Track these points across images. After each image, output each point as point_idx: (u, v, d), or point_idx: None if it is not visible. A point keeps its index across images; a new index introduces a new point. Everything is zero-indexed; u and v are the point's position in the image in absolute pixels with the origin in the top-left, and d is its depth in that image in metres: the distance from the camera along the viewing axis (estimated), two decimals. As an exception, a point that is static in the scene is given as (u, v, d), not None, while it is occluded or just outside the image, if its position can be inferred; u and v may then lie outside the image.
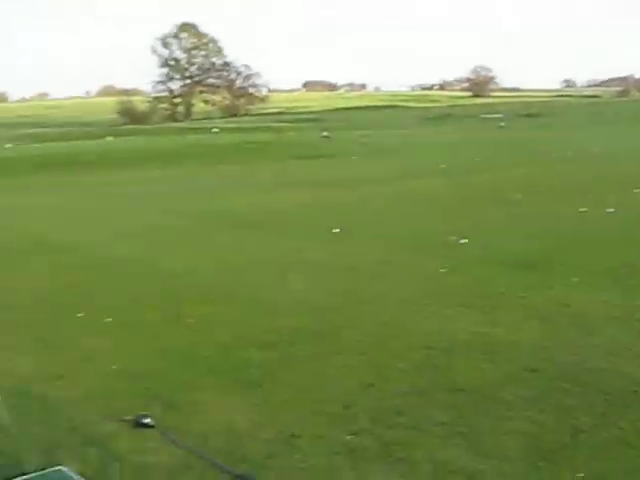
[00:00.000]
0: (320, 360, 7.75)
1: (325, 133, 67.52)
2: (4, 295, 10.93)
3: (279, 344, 8.35)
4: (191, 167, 46.87)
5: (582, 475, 5.16)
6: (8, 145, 68.23)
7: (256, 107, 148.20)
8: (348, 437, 5.86)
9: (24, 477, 5.01)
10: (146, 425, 6.14)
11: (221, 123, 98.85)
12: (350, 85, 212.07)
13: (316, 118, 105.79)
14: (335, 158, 48.92)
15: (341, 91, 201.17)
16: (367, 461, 5.43)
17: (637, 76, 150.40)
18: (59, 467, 5.28)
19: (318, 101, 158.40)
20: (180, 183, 35.19)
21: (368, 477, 5.20)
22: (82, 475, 5.18)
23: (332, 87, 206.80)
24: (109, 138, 73.05)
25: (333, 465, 5.38)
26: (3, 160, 56.26)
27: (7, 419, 4.65)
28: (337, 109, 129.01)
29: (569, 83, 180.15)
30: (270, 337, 8.62)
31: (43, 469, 5.02)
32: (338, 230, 16.46)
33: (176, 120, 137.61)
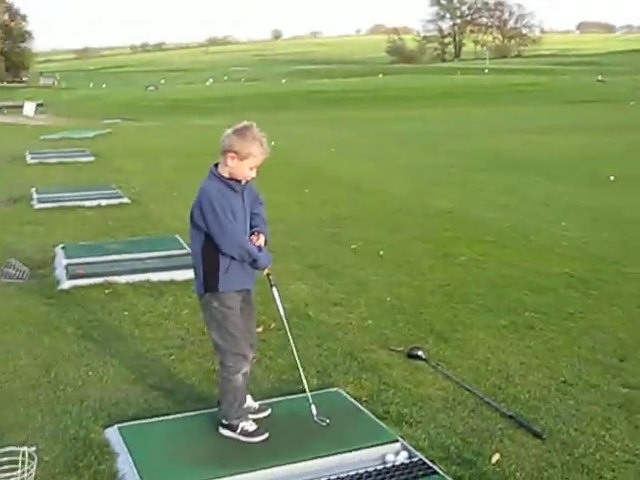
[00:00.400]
0: (594, 310, 7.53)
1: (600, 77, 64.58)
2: (281, 223, 11.46)
3: (553, 290, 8.20)
4: (460, 107, 46.57)
5: None
6: (283, 81, 70.94)
7: (528, 48, 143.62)
8: (624, 390, 5.68)
9: (302, 395, 5.30)
10: (418, 357, 6.25)
11: (491, 64, 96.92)
12: (628, 27, 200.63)
13: (591, 61, 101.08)
14: (611, 103, 46.71)
15: (618, 33, 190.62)
16: (643, 416, 5.25)
17: None
18: (336, 389, 5.54)
19: (593, 43, 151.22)
20: (447, 122, 35.14)
21: (643, 432, 5.02)
22: (356, 399, 5.41)
23: (609, 29, 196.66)
24: (380, 76, 73.93)
25: (607, 415, 5.23)
26: (279, 95, 58.75)
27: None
28: (614, 52, 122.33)
29: None
30: (543, 282, 8.48)
31: (320, 389, 5.27)
32: (613, 178, 15.85)
33: (445, 60, 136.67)
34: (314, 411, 4.96)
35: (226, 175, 4.59)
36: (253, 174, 4.64)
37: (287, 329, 5.07)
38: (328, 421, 4.91)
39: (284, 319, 5.04)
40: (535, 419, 5.16)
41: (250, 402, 4.98)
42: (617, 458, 4.65)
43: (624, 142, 23.74)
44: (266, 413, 5.03)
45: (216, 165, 4.66)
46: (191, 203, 4.69)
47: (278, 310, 4.96)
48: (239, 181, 4.63)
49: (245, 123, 4.64)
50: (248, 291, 4.83)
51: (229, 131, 4.61)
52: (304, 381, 5.06)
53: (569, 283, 8.45)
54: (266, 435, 4.73)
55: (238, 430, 4.72)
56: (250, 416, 4.84)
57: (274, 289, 4.90)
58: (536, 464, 4.56)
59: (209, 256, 4.59)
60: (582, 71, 78.92)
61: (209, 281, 4.62)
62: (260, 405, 5.06)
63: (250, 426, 4.74)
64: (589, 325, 7.09)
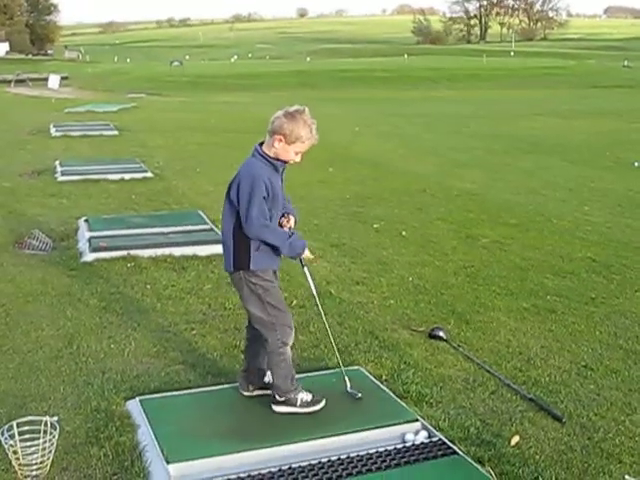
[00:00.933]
0: (617, 295, 7.49)
1: (627, 62, 64.01)
2: (303, 202, 11.46)
3: (575, 274, 8.16)
4: (485, 90, 46.33)
5: None
6: (308, 59, 70.74)
7: (555, 32, 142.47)
8: (645, 376, 5.66)
9: (325, 372, 5.32)
10: (439, 338, 6.25)
11: (517, 46, 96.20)
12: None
13: (618, 46, 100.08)
14: (635, 89, 46.31)
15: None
16: (664, 402, 5.23)
17: None
18: (357, 367, 5.55)
19: (620, 28, 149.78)
20: (472, 104, 34.97)
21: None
22: (377, 377, 5.42)
23: (636, 14, 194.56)
24: (405, 56, 73.57)
25: (627, 401, 5.22)
26: (303, 73, 58.62)
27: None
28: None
29: None
30: (566, 266, 8.45)
31: (339, 367, 5.28)
32: (637, 164, 15.75)
33: (470, 42, 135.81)
34: (348, 383, 5.01)
35: (271, 155, 4.55)
36: (298, 159, 4.61)
37: (320, 308, 5.14)
38: (360, 394, 4.95)
39: (316, 298, 5.11)
40: (555, 402, 5.16)
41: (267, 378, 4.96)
42: (637, 443, 4.63)
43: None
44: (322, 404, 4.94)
45: (260, 144, 4.61)
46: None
47: (310, 289, 4.97)
48: (285, 162, 4.60)
49: (297, 107, 4.58)
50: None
51: (280, 113, 4.55)
52: (337, 354, 5.13)
53: (592, 267, 8.41)
54: (324, 401, 4.77)
55: (298, 403, 4.71)
56: (305, 409, 4.80)
57: (305, 269, 4.88)
58: (555, 447, 4.56)
59: (241, 234, 4.54)
60: (608, 56, 78.15)
61: (241, 259, 4.58)
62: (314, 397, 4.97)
63: (307, 395, 4.76)
64: (611, 310, 7.07)
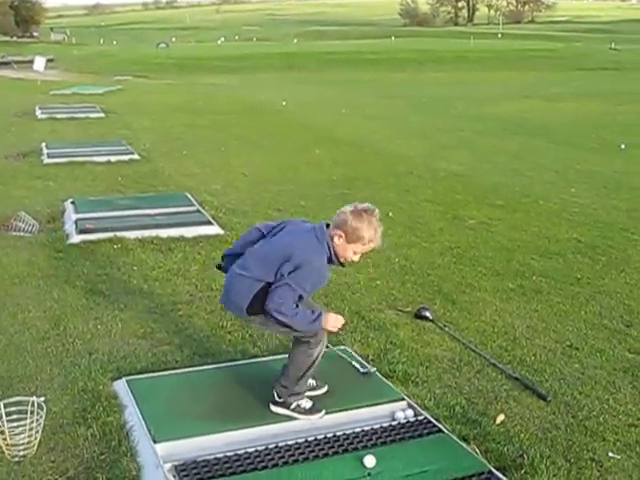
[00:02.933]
0: (602, 276, 7.53)
1: (614, 45, 64.15)
2: (291, 183, 11.43)
3: (561, 255, 8.20)
4: (472, 72, 46.31)
5: None
6: (295, 41, 70.48)
7: (542, 14, 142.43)
8: (629, 355, 5.70)
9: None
10: (426, 318, 6.28)
11: (505, 29, 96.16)
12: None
13: (605, 29, 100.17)
14: (622, 71, 46.42)
15: (633, 1, 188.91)
16: (649, 381, 5.27)
17: None
18: (343, 347, 5.57)
19: (607, 11, 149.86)
20: (459, 86, 34.97)
21: (648, 397, 5.05)
22: (363, 357, 5.44)
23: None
24: (392, 39, 73.40)
25: (611, 380, 5.26)
26: (290, 55, 58.42)
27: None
28: (628, 20, 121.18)
29: None
30: (552, 247, 8.50)
31: (328, 347, 5.28)
32: (624, 146, 15.81)
33: (458, 24, 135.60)
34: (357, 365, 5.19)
35: (329, 247, 4.30)
36: (356, 259, 4.38)
37: None
38: (369, 368, 5.13)
39: None
40: (540, 381, 5.20)
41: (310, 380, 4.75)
42: (620, 421, 4.68)
43: (636, 111, 23.61)
44: (324, 389, 4.84)
45: (328, 225, 4.38)
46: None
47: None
48: (341, 263, 4.39)
49: (366, 206, 4.35)
50: None
51: (348, 208, 4.33)
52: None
53: (577, 248, 8.45)
54: (323, 412, 4.56)
55: (292, 406, 4.52)
56: (308, 393, 4.67)
57: None
58: (540, 425, 4.60)
59: (260, 298, 4.28)
60: (595, 39, 78.20)
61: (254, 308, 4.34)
62: (317, 382, 4.85)
63: (307, 403, 4.57)
64: (596, 290, 7.11)
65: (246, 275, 4.32)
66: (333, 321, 4.34)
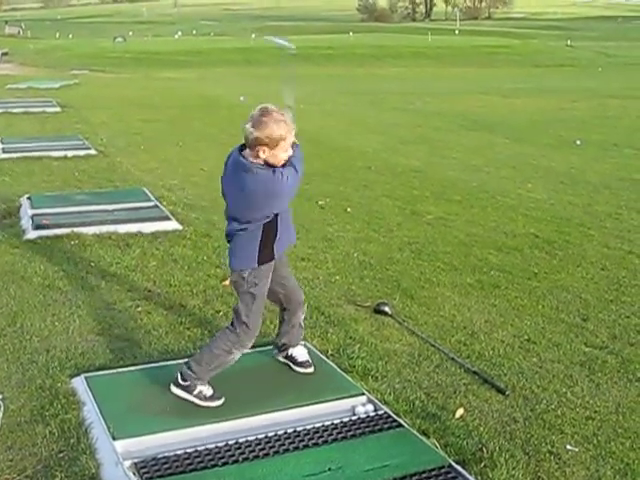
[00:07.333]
0: (559, 270, 7.62)
1: (569, 42, 64.89)
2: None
3: (518, 249, 8.28)
4: (430, 67, 46.53)
5: None
6: (253, 36, 70.19)
7: (499, 11, 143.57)
8: (586, 349, 5.76)
9: (271, 347, 5.32)
10: (385, 313, 6.30)
11: (462, 25, 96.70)
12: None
13: (560, 26, 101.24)
14: (577, 68, 46.99)
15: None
16: (604, 375, 5.33)
17: None
18: (304, 343, 5.52)
19: (563, 8, 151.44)
20: (416, 82, 35.13)
21: (604, 391, 5.10)
22: (323, 352, 5.45)
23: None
24: (350, 34, 73.41)
25: (569, 373, 5.32)
26: (248, 50, 58.21)
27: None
28: (583, 18, 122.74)
29: None
30: (509, 241, 8.57)
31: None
32: (579, 142, 15.99)
33: (415, 20, 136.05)
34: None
35: (261, 163, 4.30)
36: (290, 152, 4.40)
37: None
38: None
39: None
40: (499, 375, 5.23)
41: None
42: (578, 414, 4.73)
43: (591, 107, 23.90)
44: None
45: (240, 149, 4.42)
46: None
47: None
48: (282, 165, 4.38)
49: (261, 110, 4.28)
50: None
51: (249, 125, 4.25)
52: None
53: (535, 243, 8.53)
54: (222, 400, 4.58)
55: (195, 392, 4.55)
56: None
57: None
58: (499, 419, 4.64)
59: (270, 228, 4.43)
60: (552, 35, 78.99)
61: (265, 252, 4.46)
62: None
63: (208, 390, 4.59)
64: (553, 285, 7.18)
65: (241, 225, 4.44)
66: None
